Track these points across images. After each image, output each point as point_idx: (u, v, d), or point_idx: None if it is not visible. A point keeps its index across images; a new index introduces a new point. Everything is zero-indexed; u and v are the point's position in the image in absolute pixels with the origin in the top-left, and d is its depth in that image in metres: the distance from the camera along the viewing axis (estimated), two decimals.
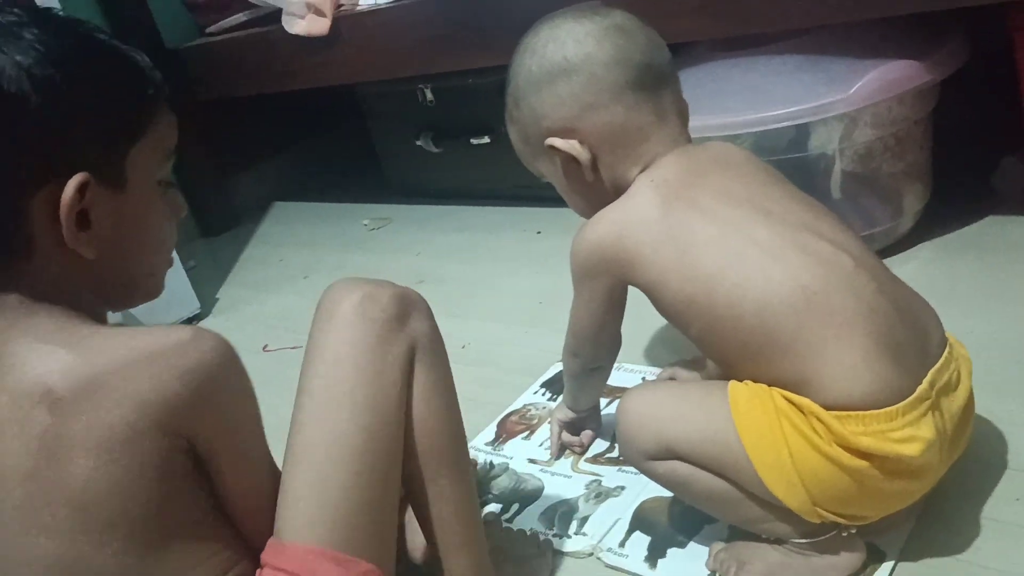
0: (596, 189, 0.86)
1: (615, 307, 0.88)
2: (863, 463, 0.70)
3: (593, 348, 0.92)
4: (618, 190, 0.85)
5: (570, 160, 0.85)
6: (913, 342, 0.74)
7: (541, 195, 1.80)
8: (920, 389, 0.71)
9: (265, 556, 0.67)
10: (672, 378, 1.09)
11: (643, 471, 0.83)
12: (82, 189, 0.60)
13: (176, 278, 1.70)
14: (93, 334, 0.62)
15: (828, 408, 0.70)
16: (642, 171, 0.83)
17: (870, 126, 1.17)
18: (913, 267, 1.25)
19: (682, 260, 0.77)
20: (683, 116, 0.87)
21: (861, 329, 0.71)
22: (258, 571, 0.66)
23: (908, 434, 0.70)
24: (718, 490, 0.77)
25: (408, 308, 0.76)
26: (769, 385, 0.74)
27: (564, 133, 0.84)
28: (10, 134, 0.58)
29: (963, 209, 1.34)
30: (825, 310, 0.72)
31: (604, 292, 0.86)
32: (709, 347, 0.81)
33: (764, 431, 0.72)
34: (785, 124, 1.15)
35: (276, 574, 0.66)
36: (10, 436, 0.59)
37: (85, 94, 0.61)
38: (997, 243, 1.26)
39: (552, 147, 0.85)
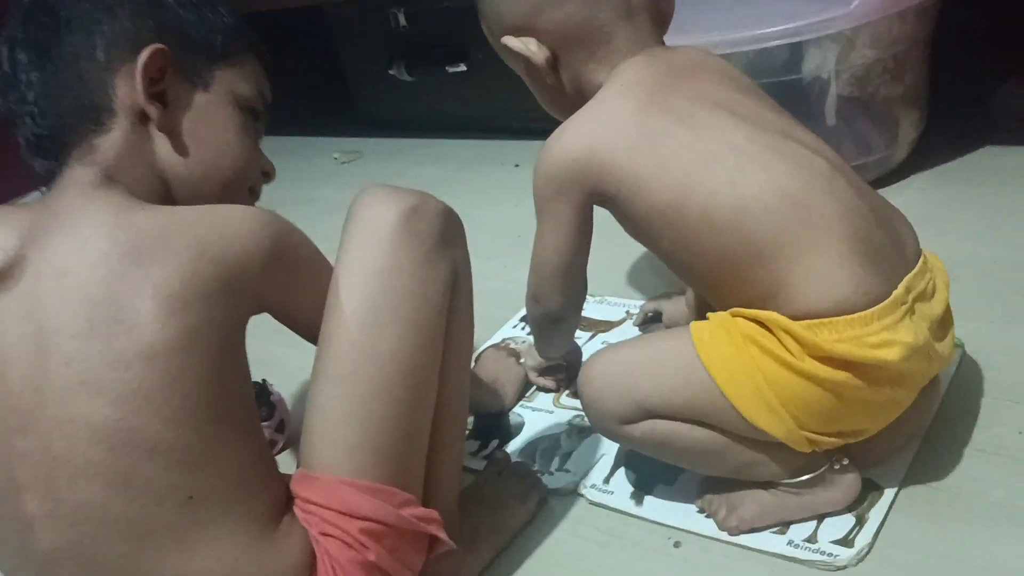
0: (558, 92, 0.80)
1: (582, 235, 0.79)
2: (842, 374, 0.66)
3: (555, 291, 0.83)
4: (581, 94, 0.78)
5: (530, 60, 0.78)
6: (889, 248, 0.70)
7: (519, 127, 1.74)
8: (896, 293, 0.67)
9: (294, 486, 0.65)
10: (657, 310, 1.05)
11: (618, 438, 0.77)
12: (158, 61, 0.66)
13: None
14: (158, 208, 0.64)
15: (799, 318, 0.66)
16: (609, 74, 0.77)
17: (868, 46, 1.11)
18: (907, 197, 1.20)
19: (659, 166, 0.71)
20: (658, 15, 0.79)
21: (838, 232, 0.67)
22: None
23: (885, 338, 0.65)
24: (701, 441, 0.72)
25: (454, 227, 0.71)
26: (741, 304, 0.70)
27: (520, 31, 0.77)
28: (108, 15, 0.66)
29: (959, 138, 1.30)
30: (804, 212, 0.67)
31: (572, 213, 0.77)
32: (680, 263, 0.75)
33: (732, 361, 0.68)
34: (779, 42, 1.09)
35: (305, 507, 0.64)
36: (65, 290, 0.58)
37: (186, 2, 0.70)
38: (993, 174, 1.22)
39: (507, 47, 0.78)
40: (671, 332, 0.76)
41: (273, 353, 1.09)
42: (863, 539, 0.71)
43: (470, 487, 0.83)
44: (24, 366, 0.58)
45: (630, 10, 0.77)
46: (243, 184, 0.75)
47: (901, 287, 0.68)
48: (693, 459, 0.76)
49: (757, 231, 0.68)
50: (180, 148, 0.68)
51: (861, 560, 0.70)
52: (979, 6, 1.25)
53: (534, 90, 0.83)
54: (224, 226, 0.62)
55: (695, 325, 0.71)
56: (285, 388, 1.07)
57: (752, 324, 0.68)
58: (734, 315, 0.70)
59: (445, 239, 0.69)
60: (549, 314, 0.86)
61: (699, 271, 0.74)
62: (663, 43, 0.80)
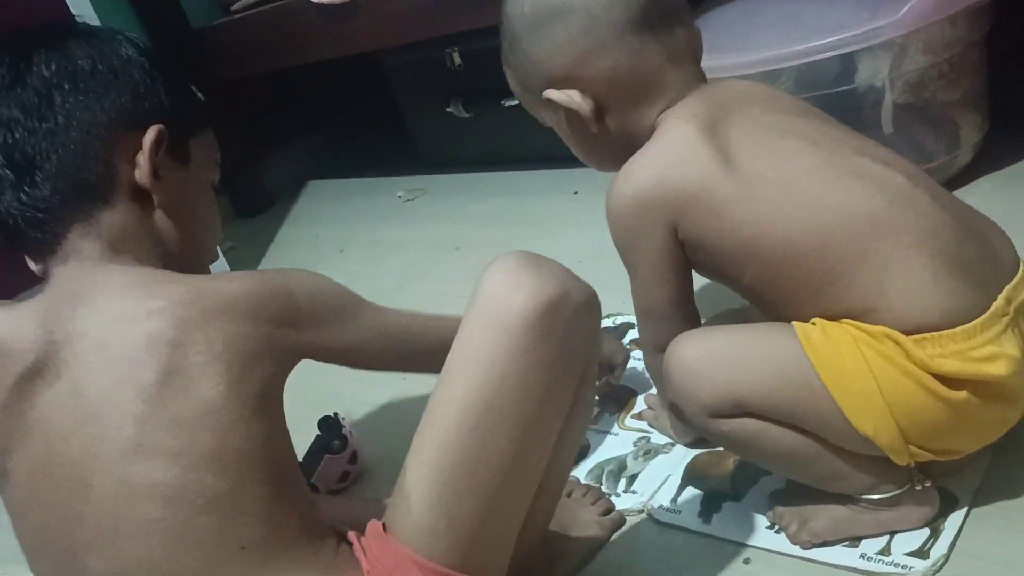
0: (603, 141, 0.79)
1: (678, 271, 0.76)
2: (962, 394, 0.64)
3: (672, 326, 0.77)
4: (630, 139, 0.77)
5: (572, 112, 0.78)
6: (982, 260, 0.68)
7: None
8: (996, 304, 0.66)
9: (369, 534, 0.65)
10: None
11: (704, 431, 0.74)
12: (159, 140, 0.69)
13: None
14: (181, 276, 0.67)
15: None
16: (662, 112, 0.76)
17: (922, 52, 1.10)
18: (974, 201, 1.14)
19: (735, 196, 0.70)
20: (696, 56, 0.79)
21: (928, 248, 0.66)
22: (353, 536, 0.66)
23: (990, 351, 0.64)
24: (791, 446, 0.70)
25: (593, 324, 0.67)
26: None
27: (563, 83, 0.77)
28: (111, 95, 0.68)
29: None
30: (891, 230, 0.66)
31: (659, 253, 0.74)
32: (762, 294, 0.73)
33: (845, 362, 0.66)
34: (830, 54, 1.08)
35: (373, 560, 0.64)
36: (109, 362, 0.62)
37: (168, 79, 0.72)
38: None
39: (550, 100, 0.78)
40: (770, 327, 0.72)
41: (341, 387, 1.13)
42: (938, 550, 0.70)
43: None
44: (80, 437, 0.61)
45: (675, 52, 0.76)
46: (214, 247, 0.80)
47: (1001, 299, 0.66)
48: (777, 462, 0.75)
49: (844, 256, 0.67)
50: (175, 220, 0.71)
51: (937, 572, 0.68)
52: None
53: (572, 142, 0.82)
54: (251, 290, 0.66)
55: (799, 325, 0.69)
56: (354, 420, 1.11)
57: (860, 331, 0.66)
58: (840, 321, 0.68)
59: (582, 342, 0.66)
60: None
61: (781, 302, 0.72)
62: (706, 80, 0.80)
